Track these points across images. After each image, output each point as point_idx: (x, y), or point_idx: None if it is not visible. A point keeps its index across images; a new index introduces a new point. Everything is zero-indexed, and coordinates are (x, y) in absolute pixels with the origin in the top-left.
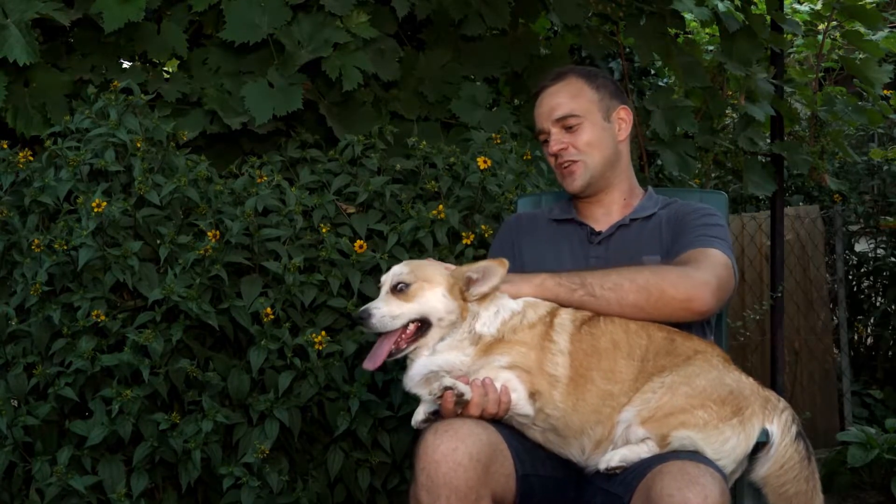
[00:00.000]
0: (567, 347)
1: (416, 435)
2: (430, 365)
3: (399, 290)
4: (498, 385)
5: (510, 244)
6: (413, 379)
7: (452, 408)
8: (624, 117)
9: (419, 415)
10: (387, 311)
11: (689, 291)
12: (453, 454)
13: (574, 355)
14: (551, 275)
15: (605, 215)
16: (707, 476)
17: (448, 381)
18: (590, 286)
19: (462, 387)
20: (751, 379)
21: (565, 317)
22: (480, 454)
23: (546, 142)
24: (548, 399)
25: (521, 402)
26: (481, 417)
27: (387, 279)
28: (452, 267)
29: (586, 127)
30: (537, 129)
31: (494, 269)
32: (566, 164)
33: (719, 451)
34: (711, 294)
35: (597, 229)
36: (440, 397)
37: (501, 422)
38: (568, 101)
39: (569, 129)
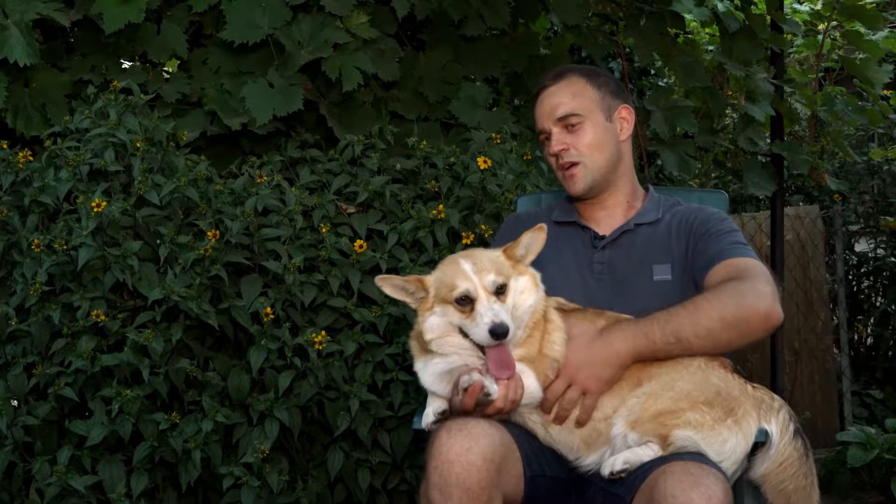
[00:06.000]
0: (561, 325)
1: (416, 435)
2: (448, 363)
3: (500, 292)
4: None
5: None
6: (432, 375)
7: (473, 403)
8: (626, 116)
9: (429, 416)
10: (508, 319)
11: (767, 309)
12: (467, 454)
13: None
14: (637, 327)
15: (607, 218)
16: (710, 477)
17: (477, 376)
18: (685, 341)
19: (491, 386)
20: (737, 377)
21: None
22: (494, 455)
23: (547, 141)
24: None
25: (532, 386)
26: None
27: (480, 283)
28: (498, 252)
29: (588, 127)
30: (538, 129)
31: (538, 238)
32: (567, 166)
33: (721, 453)
34: (778, 302)
35: (600, 233)
36: (465, 390)
37: (509, 420)
38: (569, 100)
39: (570, 129)
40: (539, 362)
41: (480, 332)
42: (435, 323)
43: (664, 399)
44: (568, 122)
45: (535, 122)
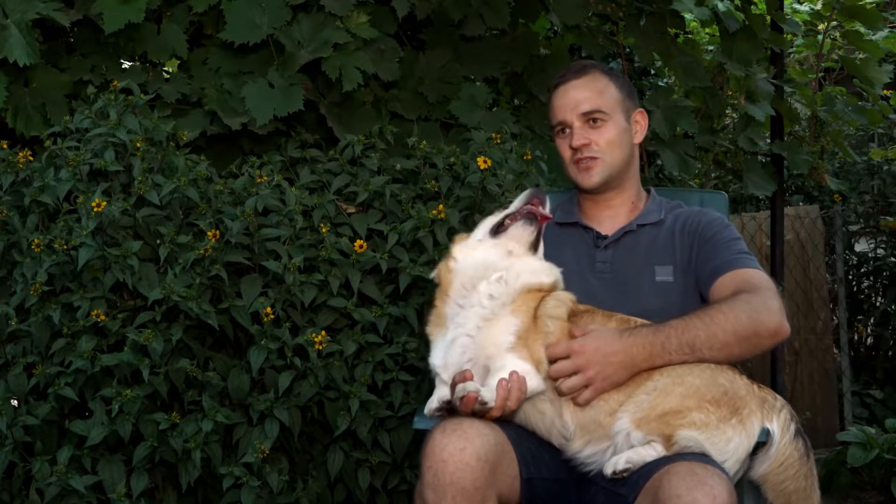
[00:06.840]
0: (564, 299)
1: (416, 435)
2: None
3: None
4: (506, 374)
5: None
6: (440, 350)
7: (468, 412)
8: (639, 120)
9: (433, 402)
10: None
11: (776, 325)
12: (461, 454)
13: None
14: (655, 336)
15: (611, 218)
16: (715, 477)
17: (472, 387)
18: (699, 352)
19: (487, 395)
20: (744, 378)
21: (562, 296)
22: (488, 455)
23: (562, 133)
24: (544, 363)
25: (534, 383)
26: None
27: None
28: None
29: (610, 125)
30: (556, 121)
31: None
32: (585, 160)
33: (724, 452)
34: (784, 317)
35: (602, 233)
36: (462, 398)
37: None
38: (595, 96)
39: (593, 124)
40: (536, 327)
41: (523, 194)
42: (473, 239)
43: (674, 396)
44: (592, 118)
45: (553, 113)
